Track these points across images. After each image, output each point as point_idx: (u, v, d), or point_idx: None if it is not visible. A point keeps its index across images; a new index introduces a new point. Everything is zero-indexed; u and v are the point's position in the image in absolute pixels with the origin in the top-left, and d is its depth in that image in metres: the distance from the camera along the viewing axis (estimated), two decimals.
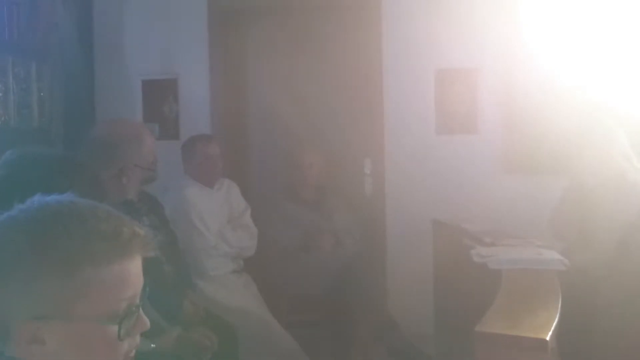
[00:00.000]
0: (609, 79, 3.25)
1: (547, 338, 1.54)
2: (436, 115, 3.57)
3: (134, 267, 0.96)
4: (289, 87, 3.81)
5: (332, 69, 3.73)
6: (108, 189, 2.10)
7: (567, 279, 2.25)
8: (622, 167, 2.54)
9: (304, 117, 3.78)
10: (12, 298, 0.91)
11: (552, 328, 1.60)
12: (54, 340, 0.91)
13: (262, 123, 3.88)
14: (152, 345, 2.25)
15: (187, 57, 3.79)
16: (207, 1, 3.72)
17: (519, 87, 3.42)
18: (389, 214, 3.65)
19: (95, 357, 0.93)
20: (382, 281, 3.52)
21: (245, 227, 3.15)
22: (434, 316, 3.34)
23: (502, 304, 1.81)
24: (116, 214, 0.96)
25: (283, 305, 3.34)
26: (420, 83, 3.57)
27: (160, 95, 3.81)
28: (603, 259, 2.42)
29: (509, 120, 3.46)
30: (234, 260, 3.11)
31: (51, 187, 1.11)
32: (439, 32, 3.51)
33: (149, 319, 2.57)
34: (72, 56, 3.62)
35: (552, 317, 1.67)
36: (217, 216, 3.05)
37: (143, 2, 3.81)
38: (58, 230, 0.91)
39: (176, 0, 3.78)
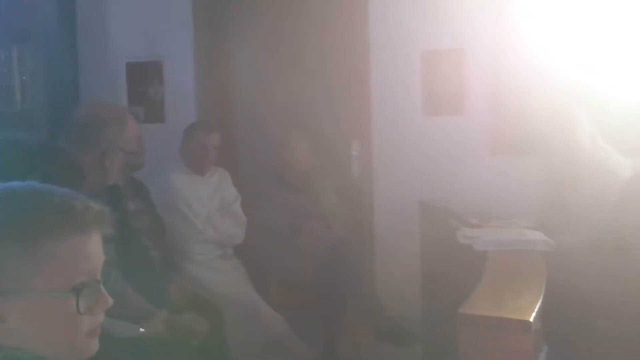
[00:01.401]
0: (595, 61, 3.24)
1: (531, 319, 1.55)
2: (423, 97, 3.56)
3: (91, 242, 0.98)
4: (275, 70, 3.77)
5: (319, 52, 3.69)
6: (90, 174, 2.09)
7: (552, 259, 2.27)
8: (589, 150, 2.57)
9: (290, 100, 3.75)
10: None
11: (536, 309, 1.61)
12: (15, 316, 0.92)
13: (248, 106, 3.85)
14: (141, 329, 2.26)
15: (172, 39, 3.74)
16: None
17: (506, 68, 3.40)
18: (376, 195, 3.65)
19: (56, 332, 0.95)
20: (370, 263, 3.53)
21: (234, 215, 3.15)
22: (422, 297, 3.36)
23: (486, 285, 1.82)
24: (72, 192, 0.99)
25: (272, 288, 3.35)
26: (407, 64, 3.54)
27: (145, 78, 3.76)
28: (584, 240, 2.44)
29: (495, 101, 3.44)
30: (221, 247, 3.10)
31: (28, 172, 1.11)
32: (425, 13, 3.47)
33: (136, 303, 2.55)
34: (54, 39, 3.56)
35: (536, 298, 1.68)
36: (205, 203, 3.05)
37: None
38: (13, 207, 0.94)
39: None
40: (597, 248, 2.40)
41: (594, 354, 2.21)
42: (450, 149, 3.52)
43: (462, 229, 2.52)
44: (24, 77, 3.29)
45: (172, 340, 2.31)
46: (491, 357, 1.60)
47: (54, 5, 3.54)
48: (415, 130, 3.58)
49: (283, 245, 3.33)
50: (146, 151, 2.81)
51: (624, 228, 2.45)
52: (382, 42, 3.57)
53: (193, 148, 3.07)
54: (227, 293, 2.91)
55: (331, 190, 3.50)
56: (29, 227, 0.93)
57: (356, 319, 3.24)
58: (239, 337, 2.81)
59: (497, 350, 1.58)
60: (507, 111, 3.41)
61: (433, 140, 3.55)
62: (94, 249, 0.98)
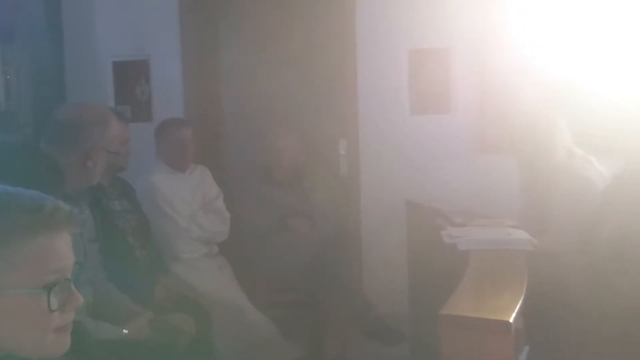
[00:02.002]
0: (581, 61, 3.26)
1: (511, 320, 1.56)
2: (410, 96, 3.57)
3: (61, 241, 1.01)
4: (263, 68, 3.76)
5: (306, 50, 3.69)
6: (72, 174, 2.08)
7: (533, 259, 2.28)
8: (563, 158, 2.59)
9: (277, 98, 3.75)
10: None
11: (516, 310, 1.62)
12: None
13: (236, 104, 3.84)
14: (124, 331, 2.25)
15: (159, 37, 3.72)
16: None
17: (493, 67, 3.42)
18: (363, 194, 3.66)
19: (27, 329, 0.98)
20: (357, 262, 3.54)
21: (218, 212, 3.14)
22: (409, 296, 3.37)
23: (467, 285, 1.82)
24: (41, 194, 1.03)
25: (259, 287, 3.35)
26: (394, 63, 3.55)
27: (131, 76, 3.74)
28: (564, 241, 2.45)
29: (482, 100, 3.47)
30: (206, 244, 3.10)
31: (3, 173, 1.12)
32: (412, 12, 3.49)
33: (121, 303, 2.54)
34: (40, 37, 3.54)
35: (516, 299, 1.69)
36: (188, 201, 3.04)
37: None
38: None
39: None
40: (579, 250, 2.42)
41: (576, 354, 2.23)
42: (437, 147, 3.54)
43: (447, 228, 2.52)
44: (9, 77, 3.27)
45: (158, 342, 2.30)
46: (472, 357, 1.61)
47: (40, 3, 3.52)
48: (402, 128, 3.59)
49: (270, 243, 3.33)
50: (131, 152, 2.82)
51: (611, 231, 2.47)
52: (369, 41, 3.57)
53: (170, 145, 3.05)
54: (212, 293, 2.91)
55: (318, 188, 3.50)
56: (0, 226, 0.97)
57: (343, 318, 3.25)
58: (224, 337, 2.81)
59: (478, 351, 1.58)
60: (494, 110, 3.43)
61: (420, 139, 3.57)
62: (63, 248, 1.02)
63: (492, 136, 3.44)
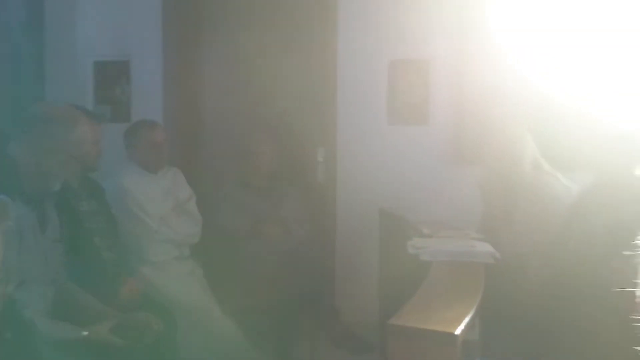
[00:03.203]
0: (557, 75, 3.28)
1: (457, 332, 1.56)
2: (388, 106, 3.58)
3: None
4: (243, 74, 3.78)
5: (288, 58, 3.70)
6: (34, 175, 2.08)
7: (497, 273, 2.29)
8: (529, 174, 2.61)
9: (258, 103, 3.76)
10: None
11: (465, 322, 1.63)
12: None
13: (215, 108, 3.85)
14: (84, 332, 2.24)
15: (140, 38, 3.74)
16: None
17: (470, 80, 3.44)
18: (339, 202, 3.66)
19: None
20: (330, 270, 3.54)
21: (190, 214, 3.13)
22: (379, 306, 3.37)
23: (420, 296, 1.83)
24: None
25: (230, 291, 3.34)
26: (374, 73, 3.57)
27: (112, 77, 3.75)
28: (529, 258, 2.47)
29: (458, 112, 3.48)
30: (178, 246, 3.09)
31: None
32: (393, 24, 3.51)
33: (84, 303, 2.52)
34: (20, 36, 3.54)
35: (467, 311, 1.69)
36: (159, 203, 3.03)
37: None
38: None
39: None
40: (543, 264, 2.43)
41: None
42: (414, 158, 3.55)
43: (414, 238, 2.53)
44: None
45: (122, 343, 2.28)
46: None
47: (21, 1, 3.52)
48: (380, 138, 3.60)
49: (243, 248, 3.32)
50: (103, 152, 2.82)
51: (576, 245, 2.48)
52: (350, 50, 3.59)
53: (142, 147, 3.04)
54: (180, 297, 2.90)
55: (294, 195, 3.51)
56: None
57: (312, 326, 3.24)
58: (190, 343, 2.81)
59: None
60: (469, 123, 3.44)
61: (397, 149, 3.58)
62: None
63: (467, 148, 3.45)
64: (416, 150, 3.56)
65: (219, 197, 3.44)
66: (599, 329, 2.21)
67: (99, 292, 2.43)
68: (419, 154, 3.56)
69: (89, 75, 3.77)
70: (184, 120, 3.77)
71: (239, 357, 2.99)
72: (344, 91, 3.62)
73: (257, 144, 3.47)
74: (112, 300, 2.51)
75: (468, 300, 1.79)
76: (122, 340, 2.23)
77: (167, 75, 3.72)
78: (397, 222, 3.02)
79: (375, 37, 3.55)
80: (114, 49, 3.75)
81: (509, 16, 3.35)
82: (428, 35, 3.49)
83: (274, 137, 3.55)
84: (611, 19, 3.19)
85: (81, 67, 3.76)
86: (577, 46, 3.25)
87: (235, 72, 3.80)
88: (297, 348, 3.24)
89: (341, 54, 3.59)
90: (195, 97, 3.84)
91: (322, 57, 3.63)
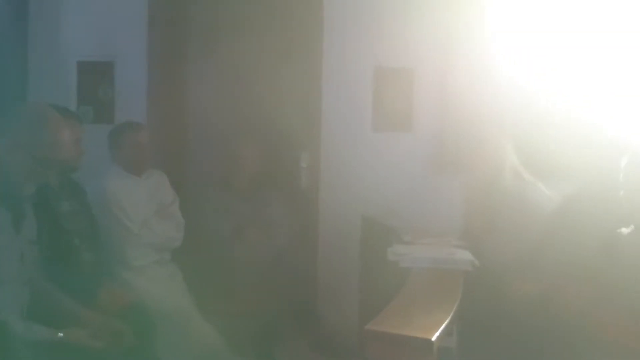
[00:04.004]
0: (535, 88, 3.32)
1: (433, 339, 1.57)
2: (373, 113, 3.59)
3: None
4: (228, 78, 3.77)
5: (273, 63, 3.71)
6: (10, 175, 2.04)
7: (478, 281, 2.30)
8: (510, 183, 2.63)
9: (242, 107, 3.75)
10: None
11: (441, 329, 1.63)
12: None
13: (200, 111, 3.83)
14: (59, 334, 2.21)
15: (125, 39, 3.71)
16: None
17: (453, 89, 3.47)
18: (322, 207, 3.66)
19: None
20: (311, 275, 3.54)
21: (173, 217, 3.12)
22: (359, 312, 3.37)
23: (399, 302, 1.83)
24: None
25: (211, 296, 3.33)
26: (359, 80, 3.58)
27: (96, 77, 3.73)
28: (509, 266, 2.48)
29: (442, 120, 3.51)
30: (159, 250, 3.07)
31: None
32: (379, 31, 3.53)
33: (60, 305, 2.48)
34: (3, 35, 3.51)
35: (444, 317, 1.70)
36: (142, 206, 3.01)
37: None
38: None
39: None
40: (521, 272, 2.45)
41: None
42: (397, 165, 3.57)
43: (394, 245, 2.54)
44: None
45: (98, 346, 2.25)
46: None
47: (5, 0, 3.49)
48: (364, 145, 3.61)
49: (225, 252, 3.31)
50: (85, 153, 2.79)
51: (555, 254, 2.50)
52: (335, 57, 3.60)
53: (126, 149, 3.03)
54: (160, 301, 2.87)
55: (277, 199, 3.50)
56: None
57: (294, 330, 3.24)
58: (169, 347, 2.78)
59: None
60: (452, 131, 3.47)
61: (381, 156, 3.59)
62: None
63: (450, 156, 3.47)
64: (400, 157, 3.58)
65: (202, 201, 3.43)
66: (579, 337, 2.23)
67: (76, 294, 2.40)
68: (403, 161, 3.58)
69: (73, 76, 3.74)
70: (168, 122, 3.75)
71: None
72: (328, 97, 3.63)
73: (241, 148, 3.47)
74: (92, 302, 2.49)
75: (445, 307, 1.80)
76: (98, 343, 2.20)
77: (151, 77, 3.70)
78: (379, 229, 3.03)
79: (360, 45, 3.56)
80: (98, 49, 3.72)
81: (493, 25, 3.39)
82: (413, 43, 3.52)
83: (258, 141, 3.55)
84: (593, 24, 3.23)
85: (65, 67, 3.73)
86: (560, 53, 3.29)
87: (220, 75, 3.80)
88: (278, 353, 3.23)
89: (326, 60, 3.60)
90: (180, 99, 3.83)
91: (308, 63, 3.63)
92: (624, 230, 2.34)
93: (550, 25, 3.33)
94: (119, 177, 3.00)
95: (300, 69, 3.67)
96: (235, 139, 3.55)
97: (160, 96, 3.72)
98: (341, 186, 3.61)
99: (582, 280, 2.37)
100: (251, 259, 3.29)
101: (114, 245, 2.90)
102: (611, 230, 2.35)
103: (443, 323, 1.66)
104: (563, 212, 2.62)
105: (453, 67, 3.48)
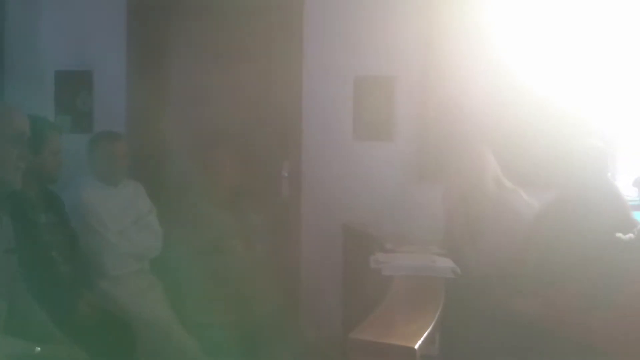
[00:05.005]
0: (514, 97, 3.36)
1: (416, 347, 1.57)
2: (353, 121, 3.60)
3: None
4: (208, 87, 3.76)
5: (253, 72, 3.70)
6: None
7: (459, 289, 2.31)
8: (493, 192, 2.65)
9: (222, 117, 3.74)
10: None
11: (424, 337, 1.63)
12: None
13: (179, 120, 3.81)
14: (37, 348, 2.16)
15: (104, 49, 3.69)
16: None
17: (433, 98, 3.49)
18: (303, 217, 3.65)
19: None
20: (293, 284, 3.52)
21: (150, 227, 3.08)
22: (342, 321, 3.36)
23: (382, 311, 1.83)
24: None
25: (192, 306, 3.29)
26: (339, 89, 3.59)
27: (74, 87, 3.69)
28: (491, 272, 2.50)
29: (422, 129, 3.52)
30: (137, 260, 3.03)
31: None
32: (359, 40, 3.55)
33: (36, 323, 2.41)
34: None
35: (426, 325, 1.70)
36: (119, 216, 2.97)
37: None
38: None
39: None
40: (502, 278, 2.46)
41: None
42: (378, 173, 3.58)
43: (376, 253, 2.54)
44: None
45: None
46: None
47: None
48: (345, 153, 3.62)
49: (205, 262, 3.28)
50: (63, 163, 2.76)
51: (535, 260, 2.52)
52: (316, 66, 3.61)
53: (102, 159, 3.00)
54: (139, 312, 2.84)
55: (258, 209, 3.49)
56: None
57: (276, 340, 3.21)
58: (148, 356, 2.75)
59: None
60: (432, 140, 3.49)
61: (362, 165, 3.60)
62: None
63: (431, 165, 3.49)
64: (381, 166, 3.59)
65: (182, 211, 3.40)
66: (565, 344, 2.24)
67: (54, 306, 2.35)
68: (384, 170, 3.59)
69: (50, 85, 3.70)
70: (146, 132, 3.72)
71: None
72: (309, 106, 3.63)
73: (220, 158, 3.45)
74: (69, 315, 2.44)
75: (428, 315, 1.80)
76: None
77: (130, 87, 3.67)
78: (360, 237, 3.03)
79: (340, 53, 3.57)
80: (76, 58, 3.69)
81: (473, 34, 3.42)
82: (393, 52, 3.54)
83: (238, 151, 3.53)
84: (577, 31, 3.28)
85: (42, 76, 3.69)
86: (541, 62, 3.33)
87: (200, 85, 3.78)
88: None
89: (307, 69, 3.61)
90: (158, 109, 3.80)
91: (288, 73, 3.63)
92: (622, 236, 2.35)
93: (530, 32, 3.37)
94: (94, 188, 2.97)
95: (280, 78, 3.66)
96: (214, 149, 3.53)
97: (139, 105, 3.69)
98: (322, 195, 3.60)
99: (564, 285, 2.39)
100: (232, 269, 3.26)
101: (92, 255, 2.86)
102: (608, 234, 2.36)
103: (426, 331, 1.66)
104: (543, 219, 2.65)
105: (433, 76, 3.50)
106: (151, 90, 3.72)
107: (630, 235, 2.34)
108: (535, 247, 2.56)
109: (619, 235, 2.35)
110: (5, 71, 3.66)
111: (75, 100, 3.69)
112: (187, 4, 3.73)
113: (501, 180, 2.75)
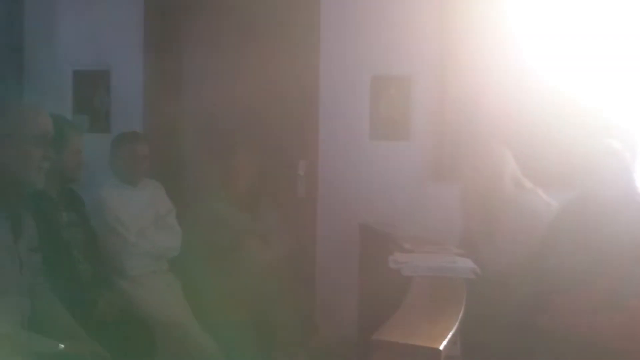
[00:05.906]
0: (534, 96, 3.34)
1: (441, 348, 1.57)
2: (370, 121, 3.60)
3: None
4: (225, 86, 3.77)
5: (270, 71, 3.71)
6: (4, 177, 2.00)
7: (478, 289, 2.30)
8: (511, 192, 2.64)
9: (239, 116, 3.75)
10: None
11: (448, 337, 1.63)
12: None
13: (196, 120, 3.83)
14: (60, 345, 2.18)
15: (121, 49, 3.71)
16: None
17: (450, 96, 3.48)
18: (320, 216, 3.66)
19: None
20: (309, 283, 3.52)
21: (169, 227, 3.10)
22: (358, 321, 3.36)
23: (404, 311, 1.83)
24: None
25: (209, 306, 3.30)
26: (356, 88, 3.59)
27: (92, 86, 3.72)
28: (510, 273, 2.49)
29: (439, 128, 3.51)
30: (156, 260, 3.05)
31: None
32: (375, 40, 3.54)
33: (59, 321, 2.43)
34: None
35: (450, 326, 1.70)
36: (138, 215, 2.99)
37: None
38: None
39: None
40: (522, 279, 2.45)
41: None
42: (394, 173, 3.57)
43: (395, 253, 2.53)
44: None
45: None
46: None
47: (1, 9, 3.47)
48: (361, 153, 3.62)
49: (223, 262, 3.29)
50: (85, 163, 2.78)
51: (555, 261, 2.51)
52: (332, 65, 3.61)
53: (123, 159, 3.02)
54: (158, 311, 2.85)
55: (275, 208, 3.49)
56: None
57: (291, 339, 3.22)
58: (167, 355, 2.76)
59: None
60: (450, 139, 3.47)
61: (378, 164, 3.60)
62: None
63: (448, 164, 3.48)
64: (397, 165, 3.59)
65: (200, 210, 3.41)
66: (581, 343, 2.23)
67: (74, 305, 2.37)
68: (400, 169, 3.58)
69: (68, 84, 3.72)
70: (164, 132, 3.74)
71: None
72: (326, 106, 3.63)
73: (237, 157, 3.46)
74: (89, 315, 2.46)
75: (450, 316, 1.79)
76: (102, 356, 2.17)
77: (147, 87, 3.69)
78: (378, 237, 3.03)
79: (357, 53, 3.57)
80: (94, 58, 3.72)
81: (490, 32, 3.40)
82: (410, 51, 3.53)
83: (255, 151, 3.54)
84: (592, 29, 3.25)
85: (60, 76, 3.72)
86: (559, 61, 3.31)
87: (217, 84, 3.79)
88: None
89: (323, 69, 3.61)
90: (176, 109, 3.81)
91: (305, 72, 3.64)
92: None
93: (549, 30, 3.35)
94: (114, 187, 2.99)
95: (297, 77, 3.67)
96: (232, 147, 3.54)
97: (156, 105, 3.71)
98: (339, 194, 3.61)
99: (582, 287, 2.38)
100: (249, 269, 3.27)
101: (111, 255, 2.88)
102: (628, 235, 2.34)
103: (450, 332, 1.66)
104: (562, 219, 2.63)
105: (450, 75, 3.49)
106: (168, 89, 3.74)
107: None
108: (553, 247, 2.55)
109: None
110: (24, 71, 3.69)
111: (93, 100, 3.72)
112: (204, 4, 3.74)
113: (520, 179, 2.73)
